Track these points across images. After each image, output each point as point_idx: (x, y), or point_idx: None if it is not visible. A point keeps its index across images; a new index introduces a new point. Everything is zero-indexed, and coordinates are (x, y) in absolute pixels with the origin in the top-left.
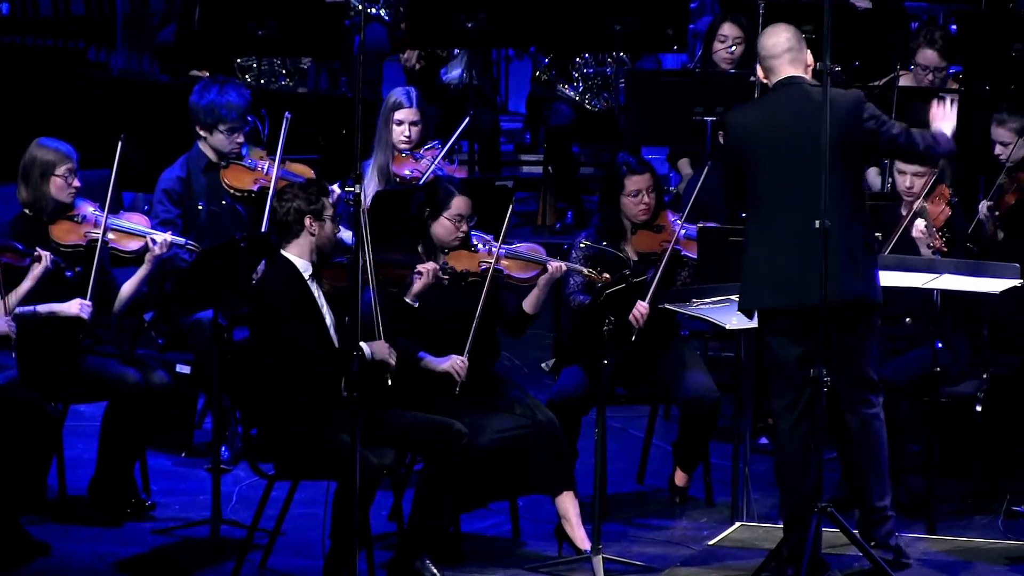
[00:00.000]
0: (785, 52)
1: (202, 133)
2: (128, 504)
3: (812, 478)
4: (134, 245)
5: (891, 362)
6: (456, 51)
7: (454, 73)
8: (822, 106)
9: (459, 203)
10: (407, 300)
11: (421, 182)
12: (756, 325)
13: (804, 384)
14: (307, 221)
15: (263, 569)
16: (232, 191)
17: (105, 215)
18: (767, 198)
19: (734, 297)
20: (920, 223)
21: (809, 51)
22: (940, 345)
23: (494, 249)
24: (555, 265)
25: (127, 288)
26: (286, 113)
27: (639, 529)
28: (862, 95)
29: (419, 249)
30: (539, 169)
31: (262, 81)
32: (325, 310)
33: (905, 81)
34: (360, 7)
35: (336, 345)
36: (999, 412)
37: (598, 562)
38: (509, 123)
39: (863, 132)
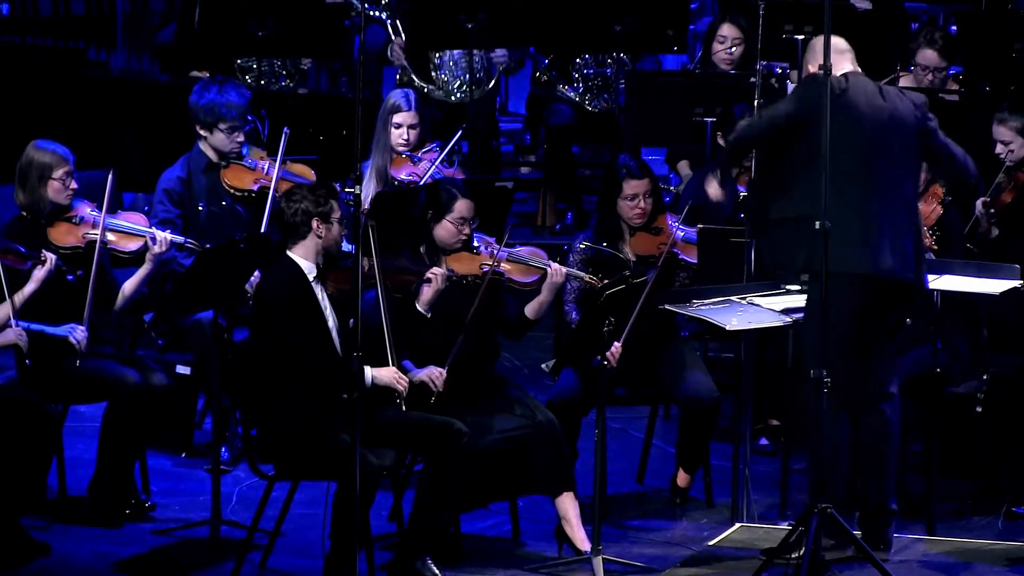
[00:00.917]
0: (848, 51)
1: (202, 133)
2: (128, 504)
3: (812, 479)
4: (133, 245)
5: None
6: (443, 74)
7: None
8: (897, 96)
9: (462, 206)
10: (420, 309)
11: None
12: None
13: (854, 348)
14: (314, 223)
15: (263, 569)
16: (232, 191)
17: (103, 216)
18: (856, 171)
19: (734, 297)
20: None
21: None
22: (940, 345)
23: (495, 252)
24: (555, 268)
25: (129, 285)
26: (285, 129)
27: (639, 530)
28: (926, 97)
29: (421, 251)
30: (535, 170)
31: (262, 82)
32: (328, 312)
33: (905, 82)
34: (360, 8)
35: (338, 347)
36: (999, 412)
37: (598, 563)
38: (509, 123)
39: (926, 129)
